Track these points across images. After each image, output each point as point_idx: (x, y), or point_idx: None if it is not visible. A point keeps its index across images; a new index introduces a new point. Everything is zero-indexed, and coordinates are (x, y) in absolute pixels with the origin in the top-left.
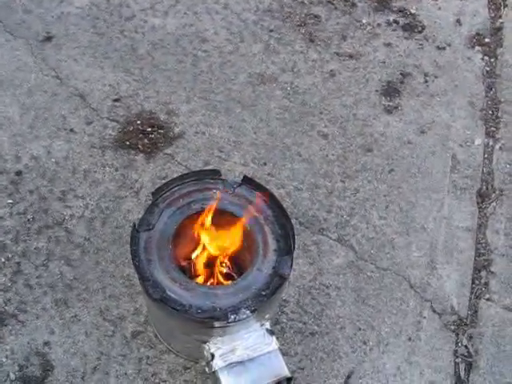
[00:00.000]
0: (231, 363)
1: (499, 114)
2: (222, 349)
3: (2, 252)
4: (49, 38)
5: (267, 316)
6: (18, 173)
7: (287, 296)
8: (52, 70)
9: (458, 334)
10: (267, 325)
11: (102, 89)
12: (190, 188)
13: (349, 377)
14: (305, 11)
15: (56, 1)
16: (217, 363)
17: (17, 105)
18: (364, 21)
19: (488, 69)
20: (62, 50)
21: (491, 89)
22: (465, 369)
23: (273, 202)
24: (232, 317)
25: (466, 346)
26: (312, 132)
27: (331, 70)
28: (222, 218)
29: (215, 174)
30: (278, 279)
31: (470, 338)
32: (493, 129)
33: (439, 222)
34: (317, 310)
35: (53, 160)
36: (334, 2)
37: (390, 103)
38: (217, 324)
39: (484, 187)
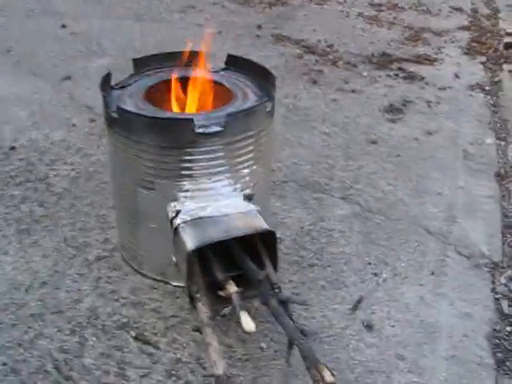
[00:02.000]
0: (200, 217)
1: (509, 127)
2: (189, 206)
3: None
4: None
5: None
6: (12, 148)
7: (281, 234)
8: (67, 94)
9: (493, 275)
10: (247, 191)
11: None
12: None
13: (359, 302)
14: (308, 67)
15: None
16: (181, 218)
17: (26, 111)
18: (365, 73)
19: (491, 102)
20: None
21: (497, 113)
22: (509, 305)
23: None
24: (200, 126)
25: (505, 285)
26: (314, 131)
27: (333, 99)
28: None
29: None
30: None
31: (511, 279)
32: (503, 135)
33: (456, 190)
34: (317, 247)
35: (49, 141)
36: (337, 64)
37: (394, 117)
38: (185, 129)
39: (502, 170)
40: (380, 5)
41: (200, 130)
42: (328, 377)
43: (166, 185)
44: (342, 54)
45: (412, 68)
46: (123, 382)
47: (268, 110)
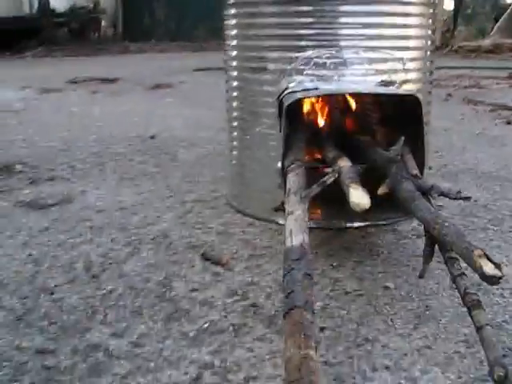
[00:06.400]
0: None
1: None
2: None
3: None
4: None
5: None
6: (152, 137)
7: None
8: None
9: None
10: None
11: None
12: None
13: None
14: None
15: None
16: (290, 88)
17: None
18: None
19: None
20: None
21: None
22: None
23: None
24: None
25: None
26: None
27: None
28: None
29: None
30: None
31: None
32: None
33: None
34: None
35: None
36: None
37: None
38: None
39: None
40: None
41: None
42: (489, 268)
43: (279, 59)
44: None
45: None
46: (163, 290)
47: None
